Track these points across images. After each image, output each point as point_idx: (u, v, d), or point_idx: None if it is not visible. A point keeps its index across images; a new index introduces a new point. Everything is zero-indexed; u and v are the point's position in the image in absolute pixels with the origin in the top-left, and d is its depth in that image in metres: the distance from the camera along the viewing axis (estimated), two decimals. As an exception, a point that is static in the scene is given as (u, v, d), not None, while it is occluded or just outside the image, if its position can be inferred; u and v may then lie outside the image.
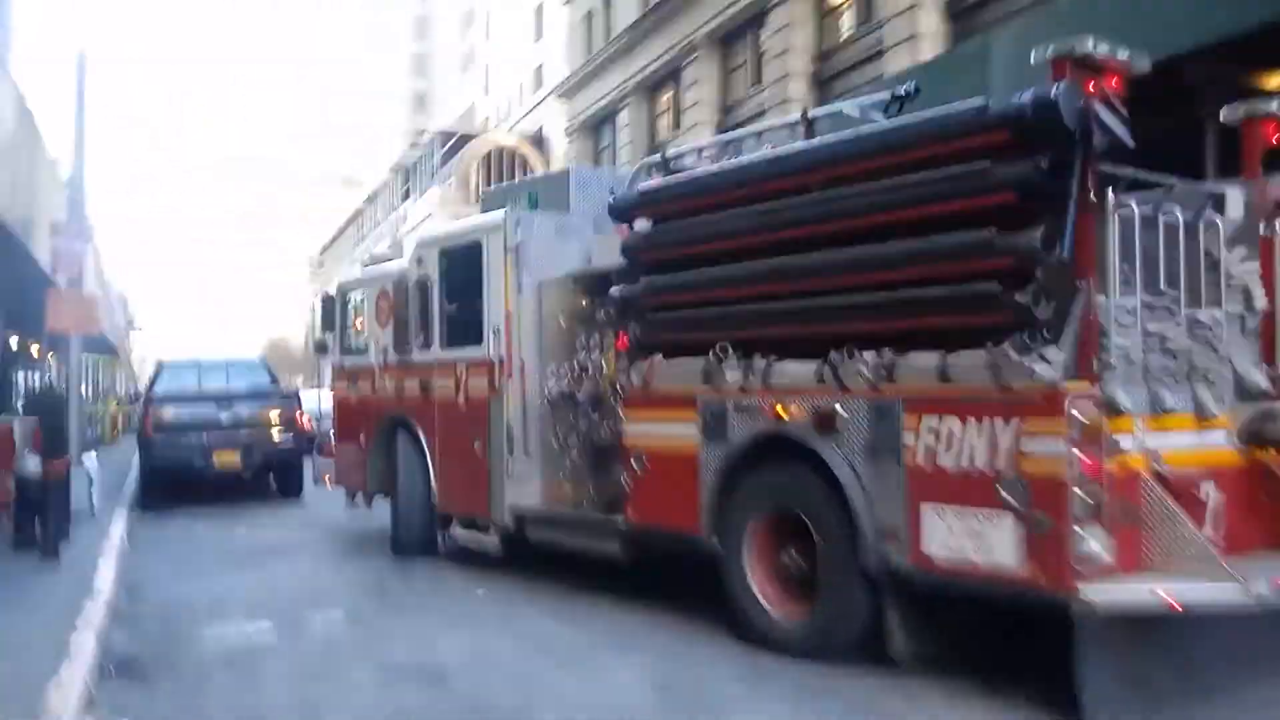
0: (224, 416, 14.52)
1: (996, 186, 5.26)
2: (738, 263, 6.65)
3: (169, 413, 14.42)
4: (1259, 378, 5.73)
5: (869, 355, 5.74)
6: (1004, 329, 5.15)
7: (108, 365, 25.65)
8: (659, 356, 7.10)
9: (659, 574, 7.61)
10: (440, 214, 56.62)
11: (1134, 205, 5.31)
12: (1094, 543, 4.88)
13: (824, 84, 26.35)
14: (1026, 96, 5.16)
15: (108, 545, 10.49)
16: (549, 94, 50.22)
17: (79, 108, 12.83)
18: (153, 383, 16.35)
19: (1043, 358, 4.99)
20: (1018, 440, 5.06)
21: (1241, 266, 5.78)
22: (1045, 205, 5.10)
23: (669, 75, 33.87)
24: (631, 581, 7.87)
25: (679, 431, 6.83)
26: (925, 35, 21.39)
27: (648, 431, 7.18)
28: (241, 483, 16.23)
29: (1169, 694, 5.01)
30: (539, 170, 57.92)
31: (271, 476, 15.68)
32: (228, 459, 14.43)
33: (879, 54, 24.08)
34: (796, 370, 6.15)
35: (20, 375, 22.56)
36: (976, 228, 5.31)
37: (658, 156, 7.98)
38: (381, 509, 10.68)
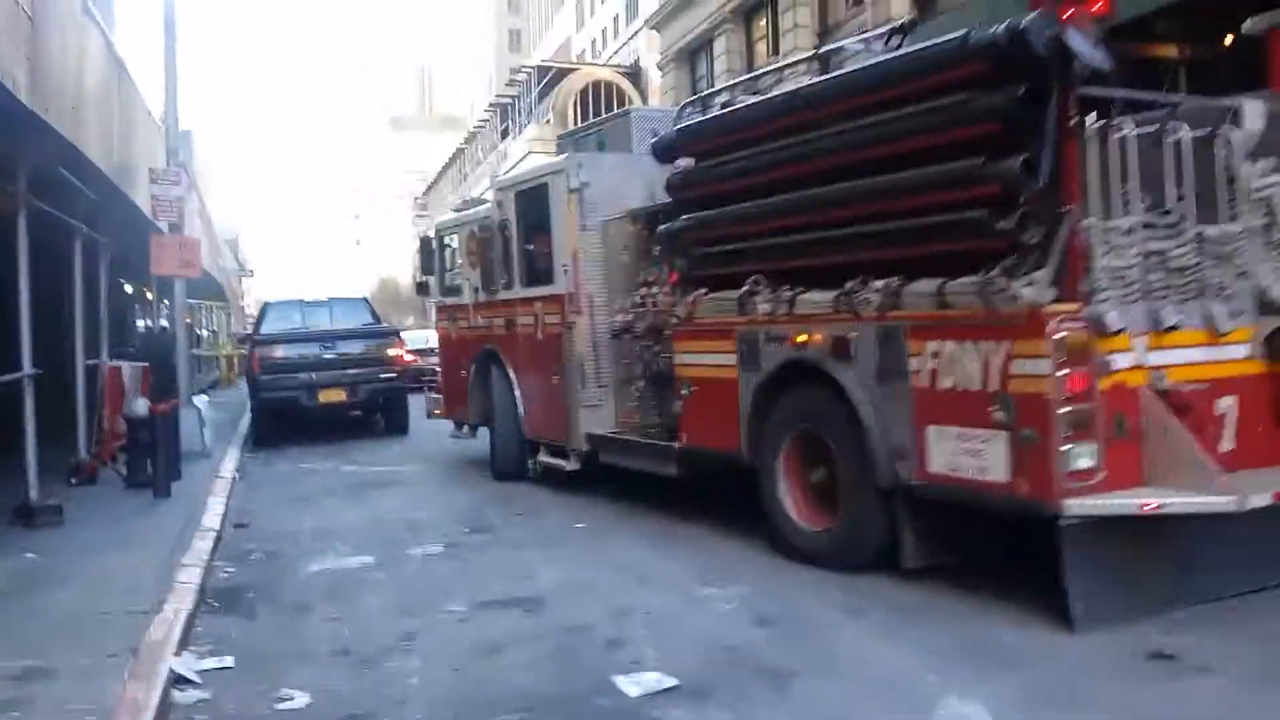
0: (328, 355, 14.72)
1: (980, 116, 5.41)
2: (760, 198, 6.93)
3: (275, 352, 14.69)
4: (1278, 291, 5.67)
5: (878, 283, 5.98)
6: (994, 255, 5.34)
7: (220, 309, 26.37)
8: (703, 290, 7.48)
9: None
10: (539, 150, 56.66)
11: (1128, 126, 5.39)
12: (1083, 457, 5.03)
13: (929, 1, 25.18)
14: (1002, 27, 5.25)
15: (218, 483, 10.74)
16: (642, 26, 49.41)
17: (169, 59, 12.94)
18: (258, 323, 16.70)
19: (1029, 281, 5.16)
20: (1007, 361, 5.24)
21: (1264, 180, 5.70)
22: (1028, 133, 5.19)
23: (764, 0, 32.86)
24: (726, 511, 7.73)
25: (721, 360, 7.23)
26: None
27: (695, 361, 7.59)
28: (350, 419, 16.57)
29: (1161, 597, 5.23)
30: (637, 103, 57.32)
31: (379, 413, 15.92)
32: (333, 396, 14.66)
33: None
34: (817, 299, 6.45)
35: (138, 321, 23.39)
36: (967, 157, 5.46)
37: (698, 96, 8.16)
38: (484, 439, 11.17)
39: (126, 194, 11.54)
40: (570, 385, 9.11)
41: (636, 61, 57.58)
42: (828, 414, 6.36)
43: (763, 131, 6.95)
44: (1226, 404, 5.57)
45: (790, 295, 6.65)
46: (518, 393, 10.15)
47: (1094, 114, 5.29)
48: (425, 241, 12.86)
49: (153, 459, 9.79)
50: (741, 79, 8.91)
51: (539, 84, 61.15)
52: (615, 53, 60.85)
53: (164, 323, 18.58)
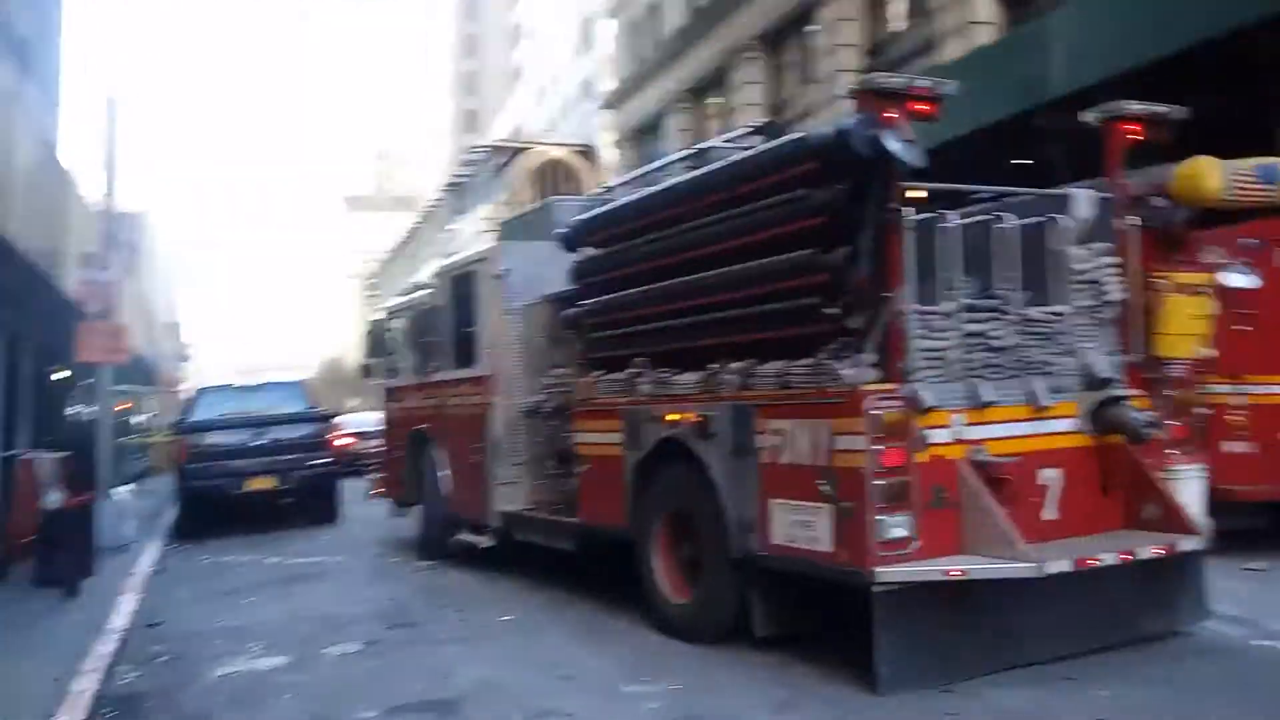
0: (257, 442, 14.27)
1: (812, 211, 5.90)
2: (641, 286, 7.49)
3: (202, 440, 14.24)
4: (1102, 366, 6.09)
5: (735, 365, 6.47)
6: (826, 338, 5.80)
7: (156, 396, 25.81)
8: (600, 371, 7.95)
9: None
10: (491, 230, 56.77)
11: (951, 217, 5.87)
12: (897, 528, 5.36)
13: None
14: (830, 128, 5.76)
15: (133, 579, 10.27)
16: (598, 106, 50.10)
17: (109, 148, 12.69)
18: (189, 409, 16.24)
19: (852, 363, 5.62)
20: (832, 437, 5.60)
21: (1091, 262, 6.22)
22: (853, 226, 5.65)
23: (717, 79, 33.40)
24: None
25: (611, 439, 7.61)
26: (981, 24, 20.78)
27: (590, 440, 7.99)
28: (280, 508, 16.03)
29: (973, 663, 5.55)
30: (589, 182, 57.87)
31: (310, 500, 15.42)
32: (262, 484, 14.17)
33: (931, 46, 23.46)
34: (687, 380, 6.96)
35: (69, 410, 22.66)
36: (803, 248, 5.95)
37: (602, 186, 8.97)
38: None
39: (51, 280, 11.21)
40: (488, 463, 9.38)
41: (591, 140, 58.26)
42: (693, 490, 6.68)
43: (641, 224, 7.56)
44: (1050, 475, 5.94)
45: (665, 377, 7.15)
46: (443, 471, 10.47)
47: (914, 207, 5.64)
48: (372, 324, 13.61)
49: (62, 555, 9.33)
50: (634, 173, 9.44)
51: (493, 163, 61.60)
52: (571, 132, 61.56)
53: (88, 411, 18.04)
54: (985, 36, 19.97)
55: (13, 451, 10.65)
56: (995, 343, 5.91)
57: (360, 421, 25.90)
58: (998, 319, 5.95)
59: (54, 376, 17.78)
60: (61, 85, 14.82)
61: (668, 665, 6.25)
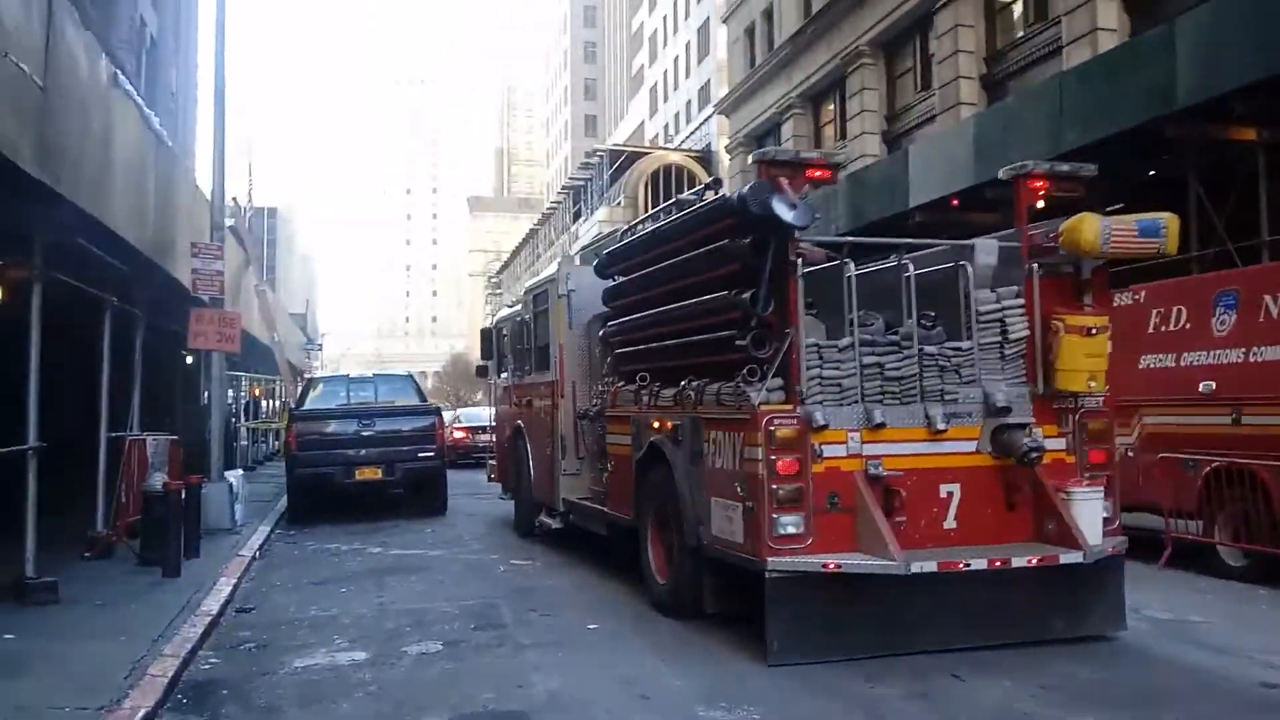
0: (366, 433, 14.41)
1: (728, 259, 7.11)
2: (638, 313, 8.91)
3: (311, 428, 14.45)
4: (1000, 396, 6.88)
5: (695, 383, 7.57)
6: (742, 365, 6.83)
7: (283, 384, 26.63)
8: (622, 382, 9.24)
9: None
10: (609, 233, 56.99)
11: (849, 266, 6.92)
12: (790, 525, 6.41)
13: (997, 84, 24.81)
14: (739, 191, 6.91)
15: (235, 563, 10.40)
16: (713, 112, 49.75)
17: (218, 133, 12.97)
18: (301, 399, 16.54)
19: (758, 387, 6.63)
20: (742, 448, 6.72)
21: (997, 304, 7.08)
22: (758, 272, 6.67)
23: (832, 85, 32.75)
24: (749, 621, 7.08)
25: (625, 441, 8.88)
26: (1104, 29, 19.88)
27: (614, 441, 9.34)
28: (392, 497, 16.21)
29: (858, 645, 6.47)
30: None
31: (418, 492, 15.54)
32: (369, 474, 14.32)
33: (1056, 50, 22.52)
34: (667, 395, 8.13)
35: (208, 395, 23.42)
36: (725, 290, 7.12)
37: (631, 224, 10.40)
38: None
39: (163, 266, 11.43)
40: (555, 456, 10.81)
41: (708, 146, 57.99)
42: (669, 488, 7.85)
43: (636, 261, 8.98)
44: (949, 489, 6.81)
45: (657, 390, 8.32)
46: (530, 461, 12.01)
47: (797, 259, 6.62)
48: (484, 332, 15.42)
49: (164, 537, 9.47)
50: (650, 213, 10.60)
51: (611, 167, 61.89)
52: (687, 137, 61.38)
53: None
54: (1110, 42, 19.01)
55: (120, 433, 10.84)
56: (892, 372, 6.82)
57: (473, 416, 26.24)
58: (896, 352, 6.86)
59: (189, 361, 18.36)
60: (186, 81, 15.18)
61: (749, 690, 5.92)
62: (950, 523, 6.77)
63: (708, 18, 56.30)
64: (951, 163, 18.89)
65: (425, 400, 16.75)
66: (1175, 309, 10.64)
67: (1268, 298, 9.43)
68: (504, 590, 9.30)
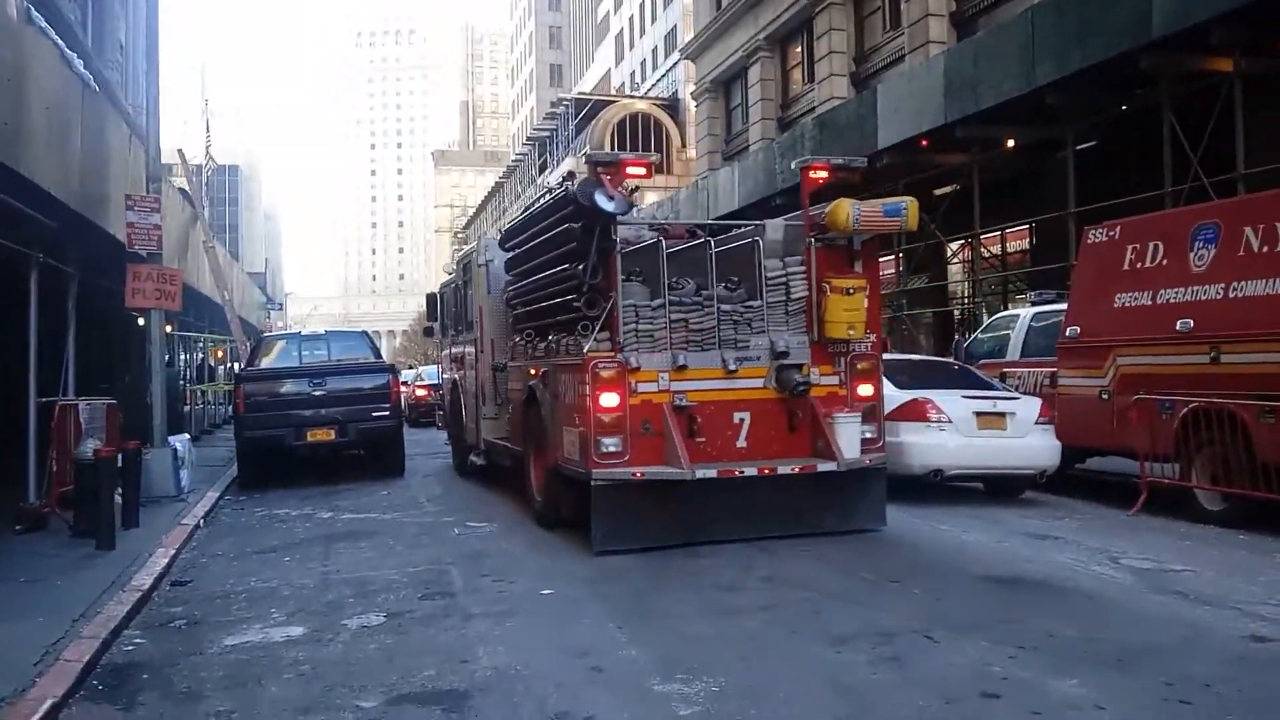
0: (317, 392, 13.80)
1: (568, 240, 8.80)
2: (523, 281, 10.63)
3: (259, 389, 13.85)
4: (782, 344, 8.76)
5: (554, 338, 9.53)
6: (579, 322, 8.69)
7: (235, 345, 25.76)
8: (517, 339, 11.09)
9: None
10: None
11: (663, 240, 9.10)
12: (611, 445, 8.21)
13: (967, 21, 24.23)
14: (571, 186, 8.85)
15: (175, 532, 9.91)
16: (680, 58, 48.78)
17: (151, 77, 12.25)
18: (250, 359, 15.91)
19: (590, 339, 8.48)
20: (579, 387, 8.48)
21: (781, 270, 8.99)
22: (588, 249, 8.48)
23: (800, 26, 32.02)
24: (715, 582, 6.72)
25: (517, 387, 10.93)
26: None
27: (513, 387, 11.32)
28: (348, 459, 15.71)
29: (664, 536, 8.35)
30: (673, 133, 56.64)
31: (373, 452, 15.04)
32: (321, 436, 13.76)
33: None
34: (540, 348, 10.06)
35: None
36: (566, 263, 8.93)
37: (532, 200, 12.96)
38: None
39: (94, 221, 10.80)
40: (478, 404, 12.87)
41: (675, 93, 57.03)
42: (541, 422, 9.71)
43: (520, 239, 10.66)
44: (742, 416, 8.67)
45: (535, 344, 10.23)
46: (463, 410, 14.16)
47: (617, 237, 8.59)
48: (430, 297, 16.79)
49: (96, 507, 8.95)
50: (538, 195, 13.11)
51: (576, 117, 60.82)
52: (654, 85, 60.34)
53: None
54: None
55: (51, 399, 10.26)
56: (695, 325, 8.65)
57: (434, 374, 25.72)
58: (699, 309, 8.70)
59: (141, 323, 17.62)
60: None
61: (713, 658, 5.51)
62: (742, 442, 8.61)
63: (672, -39, 55.10)
64: (921, 101, 18.40)
65: (380, 358, 16.16)
66: (1151, 245, 10.25)
67: (1249, 230, 9.04)
68: (456, 554, 8.87)
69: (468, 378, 13.47)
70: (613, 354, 8.30)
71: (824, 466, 8.44)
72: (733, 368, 8.58)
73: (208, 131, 52.22)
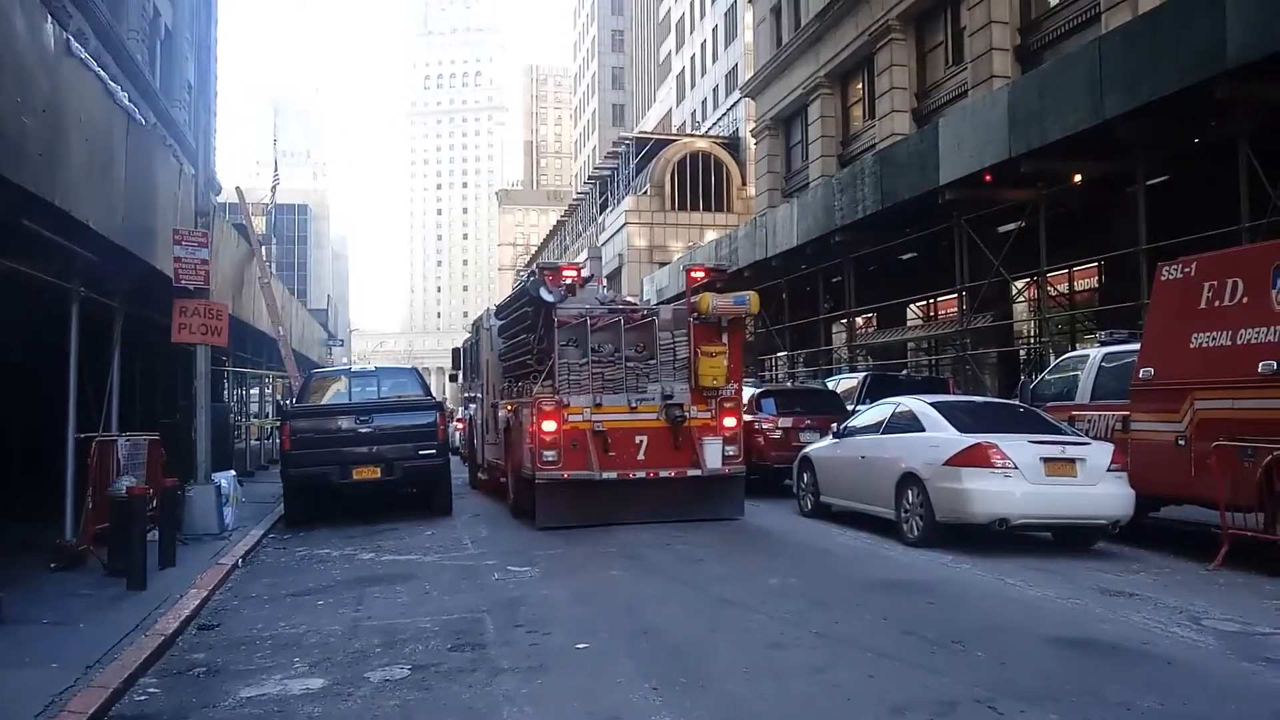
0: (363, 430, 13.61)
1: (528, 320, 13.48)
2: (505, 345, 15.24)
3: (305, 426, 13.70)
4: (669, 391, 12.74)
5: (521, 386, 13.88)
6: (533, 375, 13.18)
7: (289, 381, 25.90)
8: (504, 385, 15.32)
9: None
10: (635, 222, 56.10)
11: (590, 319, 12.93)
12: (549, 456, 12.27)
13: (1032, 55, 23.70)
14: (525, 282, 14.21)
15: (211, 573, 9.70)
16: (740, 95, 48.63)
17: (204, 117, 12.24)
18: (299, 395, 15.81)
19: (538, 386, 12.64)
20: (530, 417, 12.57)
21: (670, 339, 13.02)
22: (536, 327, 13.18)
23: (860, 63, 31.70)
24: (775, 649, 6.27)
25: (505, 419, 14.70)
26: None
27: (502, 419, 14.97)
28: (394, 498, 15.49)
29: (590, 519, 12.35)
30: (733, 171, 56.38)
31: (420, 491, 14.81)
32: (367, 474, 13.54)
33: (1094, 16, 21.42)
34: (512, 392, 14.46)
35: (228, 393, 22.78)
36: (526, 335, 13.71)
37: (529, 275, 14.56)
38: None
39: (138, 255, 10.73)
40: (483, 433, 17.42)
41: (736, 131, 56.89)
42: (512, 444, 14.04)
43: (504, 314, 15.26)
44: (641, 438, 12.58)
45: (513, 389, 14.37)
46: (476, 438, 18.96)
47: (554, 320, 12.85)
48: (455, 351, 21.96)
49: (128, 545, 8.78)
50: (534, 268, 14.48)
51: (637, 156, 60.90)
52: (715, 123, 60.30)
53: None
54: (1151, 2, 17.87)
55: (88, 434, 10.15)
56: (609, 376, 12.69)
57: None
58: (613, 365, 12.72)
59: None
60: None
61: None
62: (642, 456, 12.50)
63: (735, 0, 55.18)
64: (984, 136, 17.89)
65: (430, 394, 15.98)
66: (1230, 282, 9.65)
67: (1338, 266, 8.45)
68: (493, 602, 8.51)
69: (477, 414, 18.49)
70: (553, 395, 12.41)
71: (693, 473, 12.56)
72: (634, 405, 12.65)
73: (275, 170, 53.16)
